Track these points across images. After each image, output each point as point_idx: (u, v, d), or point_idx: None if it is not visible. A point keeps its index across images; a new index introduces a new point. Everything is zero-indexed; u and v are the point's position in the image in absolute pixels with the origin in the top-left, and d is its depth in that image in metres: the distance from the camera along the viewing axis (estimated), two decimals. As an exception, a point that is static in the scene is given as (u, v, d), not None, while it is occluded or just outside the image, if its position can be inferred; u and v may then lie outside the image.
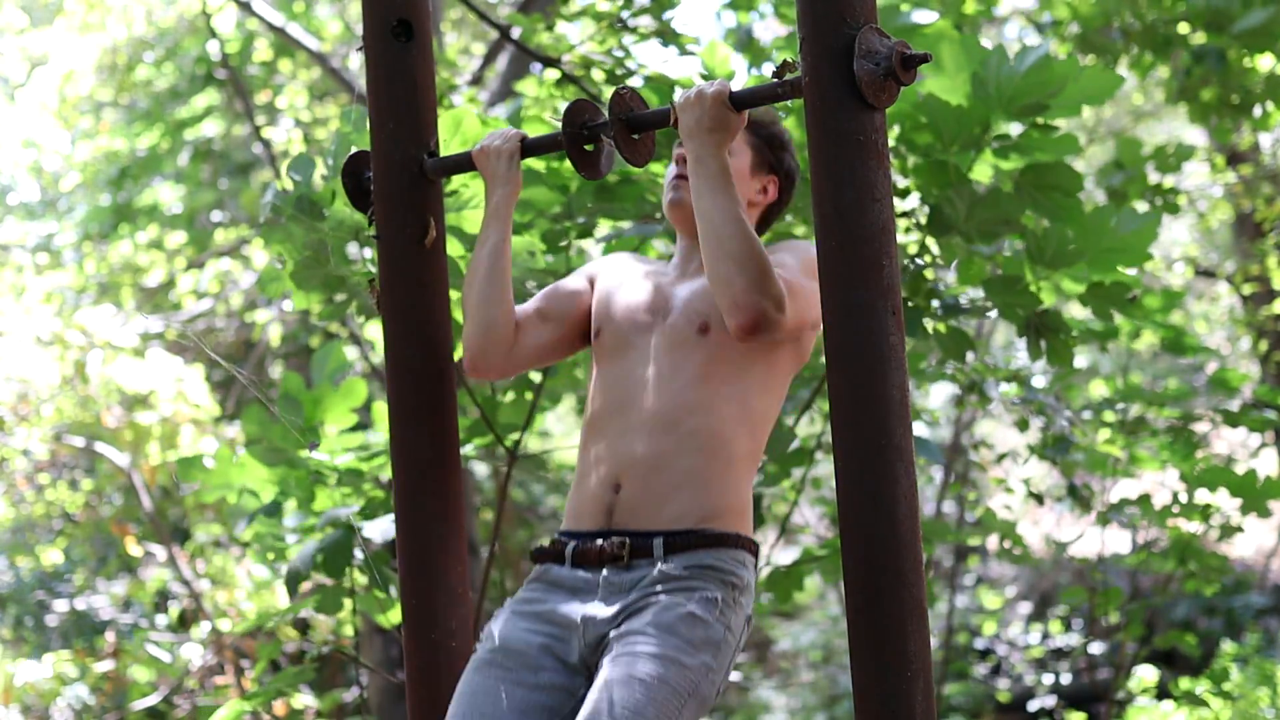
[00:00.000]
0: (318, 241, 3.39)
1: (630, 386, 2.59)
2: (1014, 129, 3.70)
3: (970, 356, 4.71)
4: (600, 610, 2.47)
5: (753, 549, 2.55)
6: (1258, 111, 7.12)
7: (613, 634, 2.43)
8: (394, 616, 4.05)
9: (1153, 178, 6.26)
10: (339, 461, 3.99)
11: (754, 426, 2.57)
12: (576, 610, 2.49)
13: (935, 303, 3.86)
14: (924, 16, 3.99)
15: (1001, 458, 6.69)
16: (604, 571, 2.49)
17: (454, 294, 3.51)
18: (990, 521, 5.34)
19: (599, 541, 2.51)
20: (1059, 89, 3.53)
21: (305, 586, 5.44)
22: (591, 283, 2.78)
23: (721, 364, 2.54)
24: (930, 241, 3.81)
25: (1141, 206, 5.99)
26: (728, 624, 2.46)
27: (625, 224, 4.15)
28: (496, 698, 2.44)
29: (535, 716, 2.42)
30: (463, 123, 3.35)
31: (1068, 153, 3.68)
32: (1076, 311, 6.25)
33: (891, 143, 3.77)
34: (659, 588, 2.45)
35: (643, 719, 2.30)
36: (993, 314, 3.85)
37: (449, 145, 3.29)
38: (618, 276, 2.75)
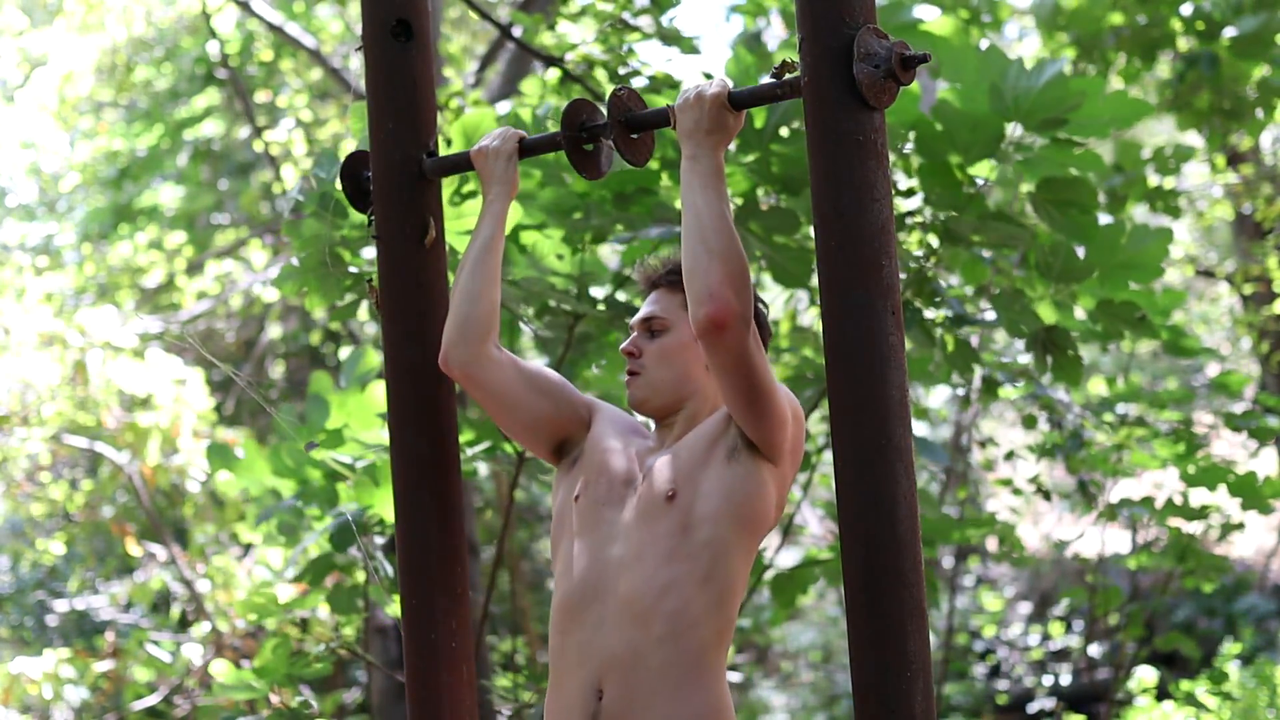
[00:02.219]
0: (336, 239, 3.39)
1: (600, 569, 2.55)
2: (1035, 141, 3.70)
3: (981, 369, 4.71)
4: None
5: None
6: (1255, 115, 7.12)
7: None
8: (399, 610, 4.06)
9: (1152, 179, 6.27)
10: (361, 463, 3.99)
11: (723, 601, 2.52)
12: None
13: (943, 311, 3.86)
14: (925, 13, 3.99)
15: (1010, 455, 6.69)
16: None
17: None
18: (988, 524, 5.35)
19: None
20: (1077, 104, 3.53)
21: (304, 585, 5.44)
22: (588, 421, 2.73)
23: (690, 534, 2.50)
24: (933, 240, 3.81)
25: (1141, 209, 6.00)
26: None
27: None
28: None
29: None
30: (479, 129, 3.35)
31: (1091, 169, 3.67)
32: (1078, 312, 6.25)
33: (900, 145, 3.77)
34: None
35: None
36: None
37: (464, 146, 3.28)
38: (608, 437, 2.69)
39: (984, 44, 3.80)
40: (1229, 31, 6.60)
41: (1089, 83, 3.56)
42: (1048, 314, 3.90)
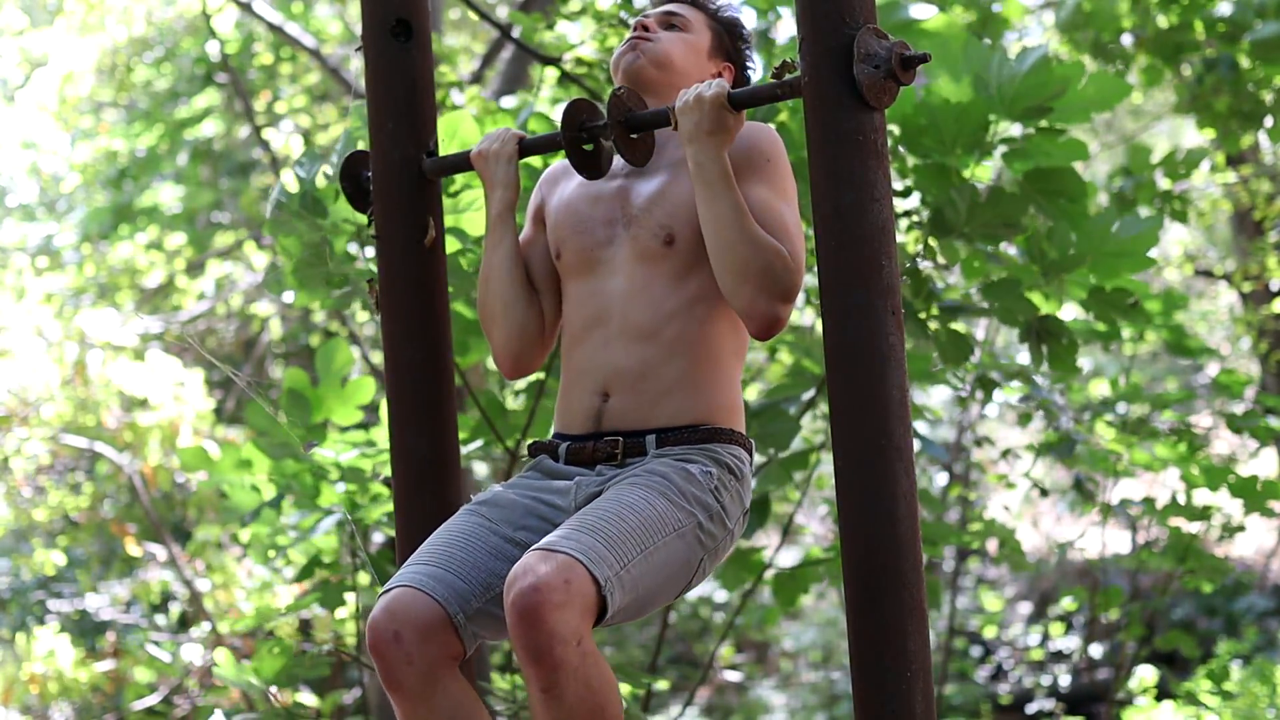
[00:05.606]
0: (320, 239, 3.39)
1: (605, 300, 2.55)
2: (1019, 132, 3.69)
3: (975, 355, 4.70)
4: (595, 479, 2.48)
5: (748, 446, 2.55)
6: (1269, 122, 7.11)
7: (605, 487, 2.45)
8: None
9: (1161, 183, 6.27)
10: (343, 459, 3.99)
11: (736, 320, 2.54)
12: (570, 481, 2.50)
13: (935, 305, 3.85)
14: (923, 11, 3.98)
15: (1005, 453, 6.69)
16: (598, 468, 2.50)
17: (473, 294, 3.52)
18: (989, 528, 5.35)
19: (591, 443, 2.51)
20: (1061, 90, 3.52)
21: (304, 586, 5.44)
22: (542, 215, 2.73)
23: (694, 269, 2.51)
24: (932, 241, 3.80)
25: (1147, 213, 5.99)
26: (722, 501, 2.44)
27: None
28: (471, 535, 2.43)
29: (505, 563, 2.39)
30: (459, 127, 3.36)
31: (1075, 158, 3.67)
32: (1077, 312, 6.26)
33: (891, 143, 3.76)
34: (653, 461, 2.46)
35: (620, 526, 2.27)
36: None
37: (447, 147, 3.29)
38: (562, 189, 2.70)
39: (985, 42, 3.77)
40: (1251, 35, 6.59)
41: (1069, 68, 3.56)
42: (1049, 306, 3.89)
